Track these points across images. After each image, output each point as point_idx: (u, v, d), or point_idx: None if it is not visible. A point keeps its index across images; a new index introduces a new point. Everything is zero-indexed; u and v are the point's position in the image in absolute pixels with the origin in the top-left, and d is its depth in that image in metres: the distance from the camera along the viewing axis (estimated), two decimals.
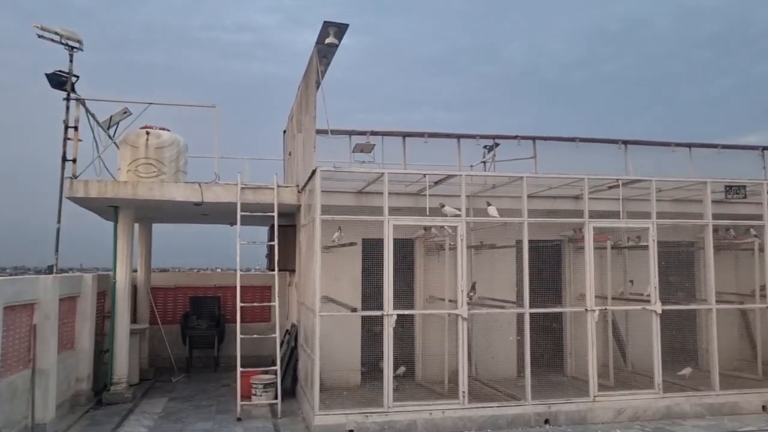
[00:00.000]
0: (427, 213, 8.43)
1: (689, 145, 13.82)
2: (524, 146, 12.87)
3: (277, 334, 9.19)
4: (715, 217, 9.31)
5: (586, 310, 8.60)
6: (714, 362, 8.92)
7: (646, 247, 10.86)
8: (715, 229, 9.70)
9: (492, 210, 8.90)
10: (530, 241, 8.52)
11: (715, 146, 14.00)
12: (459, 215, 8.37)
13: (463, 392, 8.01)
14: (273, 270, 9.55)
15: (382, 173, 8.08)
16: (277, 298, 9.29)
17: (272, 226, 9.83)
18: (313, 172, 8.00)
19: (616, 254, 10.83)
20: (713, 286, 9.02)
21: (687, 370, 10.21)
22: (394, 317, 7.91)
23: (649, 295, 10.36)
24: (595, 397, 8.38)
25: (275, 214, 9.36)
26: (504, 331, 10.20)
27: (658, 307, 8.73)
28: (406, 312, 9.12)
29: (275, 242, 9.44)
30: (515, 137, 13.05)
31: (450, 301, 9.60)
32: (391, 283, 7.91)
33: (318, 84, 8.69)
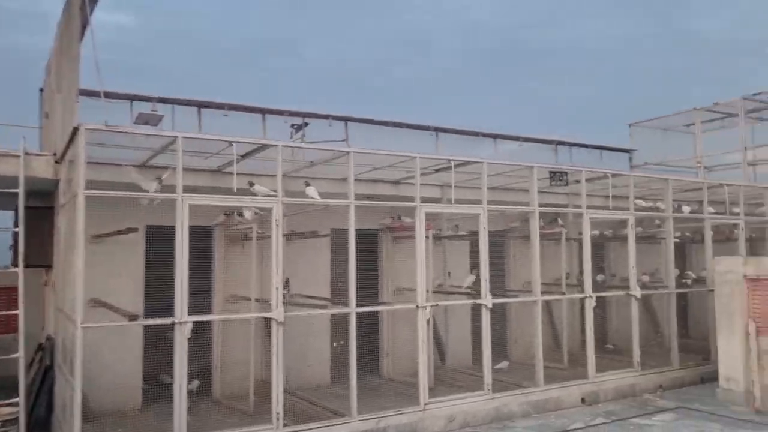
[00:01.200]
0: (235, 191, 6.68)
1: (494, 136, 14.08)
2: (336, 128, 11.99)
3: (21, 353, 6.80)
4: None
5: (417, 306, 7.58)
6: (539, 356, 8.49)
7: (464, 237, 10.40)
8: (526, 219, 9.39)
9: (311, 191, 7.50)
10: (346, 231, 7.23)
11: (517, 139, 14.45)
12: (273, 195, 6.81)
13: (278, 414, 6.50)
14: (17, 266, 7.10)
15: (175, 137, 6.18)
16: (22, 304, 6.89)
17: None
18: (75, 131, 5.82)
19: (436, 244, 10.14)
20: (539, 277, 8.59)
21: (504, 364, 9.87)
22: (190, 325, 6.13)
23: (468, 288, 9.87)
24: (425, 405, 7.40)
25: (21, 190, 6.94)
26: (319, 333, 8.92)
27: (489, 301, 8.03)
28: (205, 318, 7.39)
29: (20, 228, 7.01)
30: (326, 117, 12.04)
31: (257, 300, 8.05)
32: (185, 280, 6.11)
33: (85, 19, 6.51)
